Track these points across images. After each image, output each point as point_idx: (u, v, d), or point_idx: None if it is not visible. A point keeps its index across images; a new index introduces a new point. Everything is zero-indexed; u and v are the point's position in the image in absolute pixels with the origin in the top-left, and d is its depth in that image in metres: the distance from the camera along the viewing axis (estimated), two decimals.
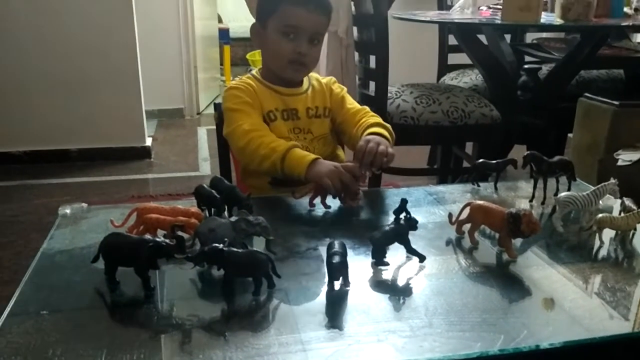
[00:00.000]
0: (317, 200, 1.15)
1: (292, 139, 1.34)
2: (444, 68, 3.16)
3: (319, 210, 1.15)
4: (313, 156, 1.19)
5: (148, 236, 0.86)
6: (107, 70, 3.45)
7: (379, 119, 1.37)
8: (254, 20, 1.42)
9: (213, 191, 1.05)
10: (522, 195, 1.25)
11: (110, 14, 3.37)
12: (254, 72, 1.43)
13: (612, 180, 1.10)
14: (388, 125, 1.35)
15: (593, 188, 1.09)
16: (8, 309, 0.77)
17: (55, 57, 3.37)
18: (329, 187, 1.12)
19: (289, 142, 1.26)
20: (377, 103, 2.25)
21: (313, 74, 1.45)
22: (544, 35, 3.19)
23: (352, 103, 1.44)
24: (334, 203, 1.15)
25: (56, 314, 0.77)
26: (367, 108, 1.43)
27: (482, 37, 2.57)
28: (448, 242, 1.00)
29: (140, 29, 3.50)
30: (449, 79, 2.98)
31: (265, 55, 1.40)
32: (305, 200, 1.16)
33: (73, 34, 3.36)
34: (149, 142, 3.73)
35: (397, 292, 0.85)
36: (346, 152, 1.50)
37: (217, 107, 1.51)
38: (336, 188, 1.12)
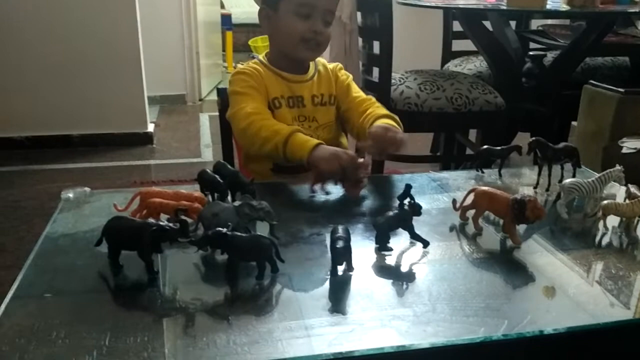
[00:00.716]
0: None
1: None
2: (448, 54, 3.14)
3: (323, 195, 1.14)
4: (316, 141, 1.18)
5: (151, 220, 0.85)
6: (109, 56, 3.44)
7: (385, 110, 1.36)
8: (256, 6, 1.40)
9: (216, 176, 1.04)
10: (526, 182, 1.24)
11: None
12: (260, 57, 1.42)
13: (618, 167, 1.09)
14: (395, 117, 1.33)
15: (598, 175, 1.08)
16: (12, 292, 0.77)
17: (57, 43, 3.35)
18: (326, 172, 1.11)
19: (292, 126, 1.25)
20: (381, 89, 2.24)
21: (320, 59, 1.44)
22: (549, 21, 3.16)
23: (357, 92, 1.43)
24: (337, 189, 1.15)
25: (59, 297, 0.77)
26: (373, 98, 1.41)
27: (487, 24, 2.55)
28: (452, 228, 1.00)
29: (142, 15, 3.48)
30: (453, 65, 2.96)
31: (277, 39, 1.37)
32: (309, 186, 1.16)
33: (75, 20, 3.34)
34: (151, 128, 3.73)
35: (401, 278, 0.84)
36: (349, 141, 1.49)
37: (219, 92, 1.50)
38: (335, 173, 1.11)
